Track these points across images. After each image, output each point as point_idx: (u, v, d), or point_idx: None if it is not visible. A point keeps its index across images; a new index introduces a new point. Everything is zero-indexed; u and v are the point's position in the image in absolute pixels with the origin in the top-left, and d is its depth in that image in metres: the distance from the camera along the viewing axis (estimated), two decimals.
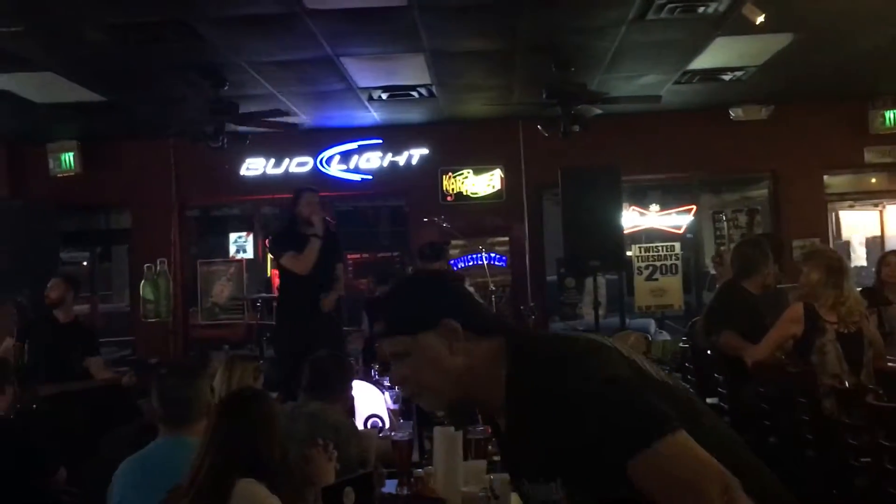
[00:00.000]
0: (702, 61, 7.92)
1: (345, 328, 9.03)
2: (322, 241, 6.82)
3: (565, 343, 1.85)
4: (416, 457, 4.40)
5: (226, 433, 2.85)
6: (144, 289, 10.35)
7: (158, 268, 10.38)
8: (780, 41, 7.36)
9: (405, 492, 3.88)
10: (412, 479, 3.85)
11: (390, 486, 3.99)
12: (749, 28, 6.24)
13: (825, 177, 10.44)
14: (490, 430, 4.76)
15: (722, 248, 10.59)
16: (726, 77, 8.57)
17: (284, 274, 7.07)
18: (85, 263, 12.68)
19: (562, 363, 1.72)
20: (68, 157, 10.19)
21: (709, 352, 5.96)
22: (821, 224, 10.21)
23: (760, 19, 5.95)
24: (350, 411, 5.20)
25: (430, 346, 1.82)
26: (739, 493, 1.60)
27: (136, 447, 3.74)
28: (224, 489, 2.74)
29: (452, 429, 4.10)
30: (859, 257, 11.56)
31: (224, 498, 2.73)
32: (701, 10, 6.37)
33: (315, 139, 10.28)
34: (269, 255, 9.08)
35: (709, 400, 6.07)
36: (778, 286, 6.34)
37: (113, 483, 3.46)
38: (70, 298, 7.25)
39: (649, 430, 1.60)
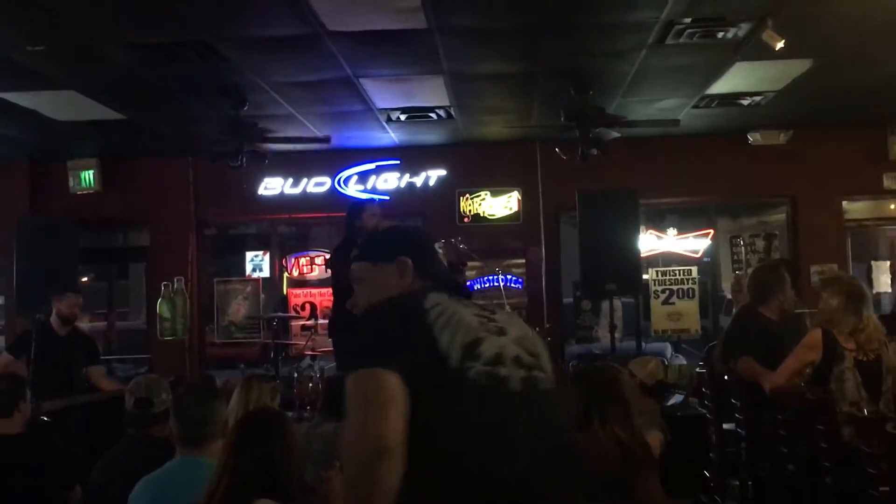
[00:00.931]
0: (721, 86, 7.92)
1: None
2: None
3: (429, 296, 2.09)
4: None
5: (243, 453, 2.85)
6: (161, 307, 10.37)
7: (175, 286, 10.41)
8: (799, 66, 7.35)
9: None
10: None
11: None
12: (769, 53, 6.24)
13: (844, 202, 10.39)
14: None
15: (739, 272, 10.55)
16: (745, 102, 8.57)
17: (344, 292, 6.68)
18: (85, 279, 12.72)
19: (398, 299, 2.13)
20: (88, 175, 10.26)
21: (726, 377, 5.92)
22: (839, 249, 10.15)
23: (780, 45, 5.95)
24: None
25: (383, 274, 2.25)
26: (388, 465, 1.76)
27: (130, 467, 3.77)
28: None
29: None
30: (883, 283, 11.43)
31: None
32: (720, 35, 6.38)
33: (333, 159, 10.32)
34: (328, 269, 8.78)
35: (726, 426, 6.04)
36: (796, 311, 6.30)
37: (131, 500, 3.47)
38: (78, 317, 7.33)
39: (363, 359, 1.91)
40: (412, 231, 2.50)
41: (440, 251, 2.42)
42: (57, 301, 7.29)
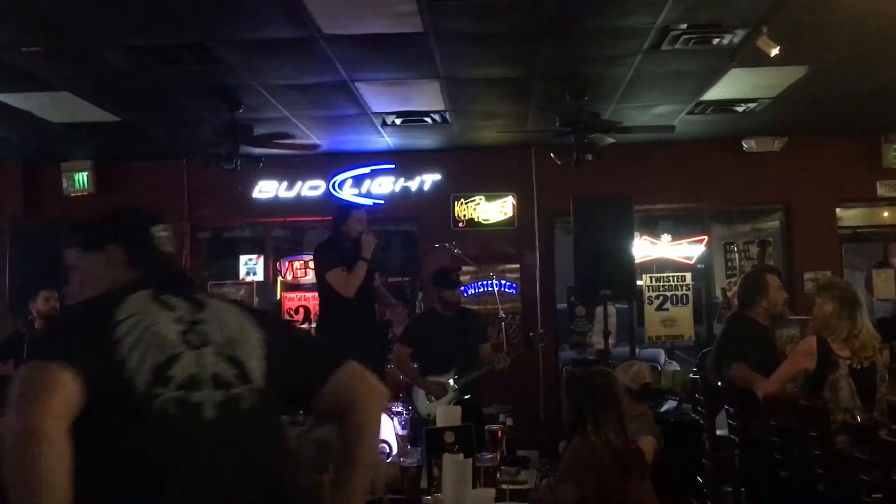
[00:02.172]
0: (716, 92, 7.94)
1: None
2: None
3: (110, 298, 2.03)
4: (424, 484, 4.39)
5: None
6: None
7: None
8: (794, 73, 7.37)
9: None
10: None
11: None
12: (764, 60, 6.27)
13: (838, 210, 10.41)
14: (499, 458, 4.75)
15: (730, 280, 10.56)
16: (740, 108, 8.59)
17: (327, 293, 6.75)
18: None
19: (87, 311, 2.08)
20: (82, 177, 10.24)
21: (719, 383, 5.92)
22: (833, 257, 10.17)
23: (775, 52, 5.97)
24: None
25: (94, 263, 2.21)
26: (45, 450, 1.66)
27: None
28: None
29: (461, 456, 4.09)
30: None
31: None
32: (716, 41, 6.39)
33: (328, 163, 10.31)
34: (312, 266, 8.69)
35: (719, 432, 6.05)
36: (789, 318, 6.32)
37: None
38: (57, 311, 7.34)
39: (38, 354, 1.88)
40: (125, 215, 2.35)
41: (164, 234, 2.32)
42: (32, 303, 7.31)
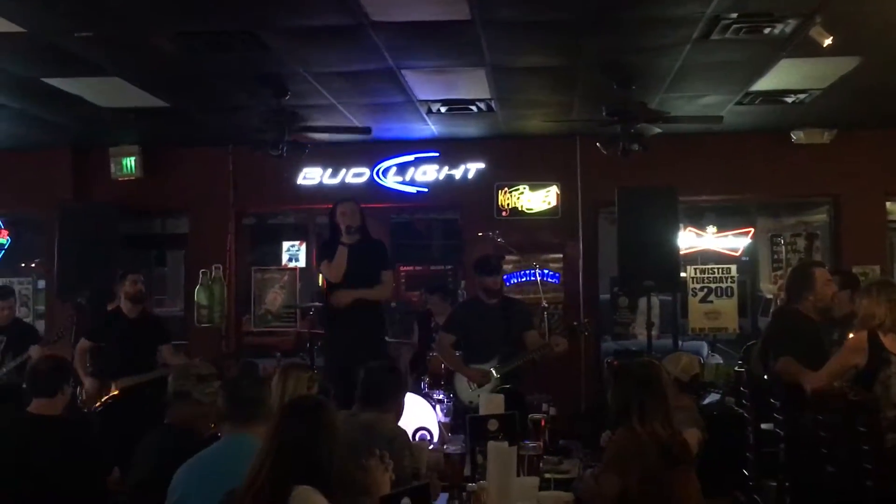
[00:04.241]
0: (765, 83, 7.83)
1: (395, 340, 9.08)
2: (355, 249, 6.90)
3: None
4: (467, 471, 4.41)
5: (287, 439, 2.87)
6: (199, 294, 10.45)
7: (213, 274, 10.49)
8: (846, 64, 7.25)
9: None
10: (464, 493, 3.85)
11: (441, 500, 4.00)
12: (815, 50, 6.16)
13: (888, 203, 10.25)
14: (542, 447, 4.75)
15: (776, 273, 10.48)
16: (789, 99, 8.46)
17: (327, 283, 7.22)
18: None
19: None
20: (130, 162, 10.35)
21: (765, 377, 5.87)
22: (882, 251, 10.01)
23: (828, 42, 5.87)
24: None
25: None
26: None
27: (162, 449, 3.86)
28: (281, 495, 2.76)
29: (506, 444, 4.10)
30: None
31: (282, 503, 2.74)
32: (767, 31, 6.29)
33: (372, 150, 10.33)
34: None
35: (764, 426, 6.00)
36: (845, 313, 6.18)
37: (176, 480, 3.53)
38: (144, 293, 7.52)
39: None
40: None
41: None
42: (120, 286, 7.47)
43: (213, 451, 3.64)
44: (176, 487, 3.52)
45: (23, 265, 11.31)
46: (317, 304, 9.25)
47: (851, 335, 5.34)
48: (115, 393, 7.05)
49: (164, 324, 8.03)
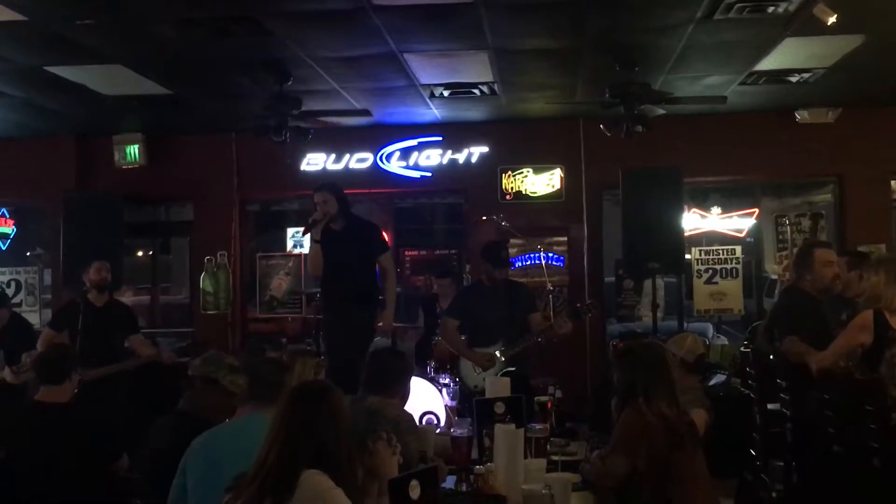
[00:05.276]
0: (769, 62, 7.80)
1: (400, 325, 9.07)
2: (339, 235, 6.82)
3: None
4: (474, 454, 4.41)
5: (296, 423, 2.88)
6: (204, 281, 10.47)
7: (218, 260, 10.50)
8: (850, 42, 7.21)
9: (464, 488, 3.89)
10: (471, 476, 3.86)
11: (449, 483, 4.01)
12: (819, 28, 6.12)
13: (893, 182, 10.22)
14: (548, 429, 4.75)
15: (781, 254, 10.46)
16: (793, 79, 8.42)
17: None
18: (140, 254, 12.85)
19: None
20: (133, 150, 10.35)
21: (771, 357, 5.87)
22: (887, 230, 9.98)
23: (832, 20, 5.83)
24: None
25: None
26: None
27: (176, 436, 3.88)
28: (290, 478, 2.76)
29: (513, 426, 4.10)
30: None
31: (290, 487, 2.75)
32: (771, 9, 6.26)
33: (375, 135, 10.31)
34: None
35: (770, 406, 6.00)
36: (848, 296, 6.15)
37: (191, 452, 3.59)
38: (109, 281, 7.45)
39: None
40: None
41: None
42: (85, 274, 7.44)
43: (232, 426, 3.73)
44: (191, 462, 3.58)
45: (28, 254, 11.32)
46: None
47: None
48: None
49: (132, 312, 7.96)
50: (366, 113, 8.81)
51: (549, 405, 5.22)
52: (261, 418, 3.46)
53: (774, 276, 11.22)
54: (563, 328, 6.78)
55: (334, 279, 6.88)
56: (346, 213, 6.92)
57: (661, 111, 8.19)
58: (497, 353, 6.75)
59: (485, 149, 10.32)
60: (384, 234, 11.24)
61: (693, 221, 10.38)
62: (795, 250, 8.11)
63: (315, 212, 6.83)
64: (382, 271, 7.04)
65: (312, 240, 6.85)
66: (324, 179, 8.45)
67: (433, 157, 10.38)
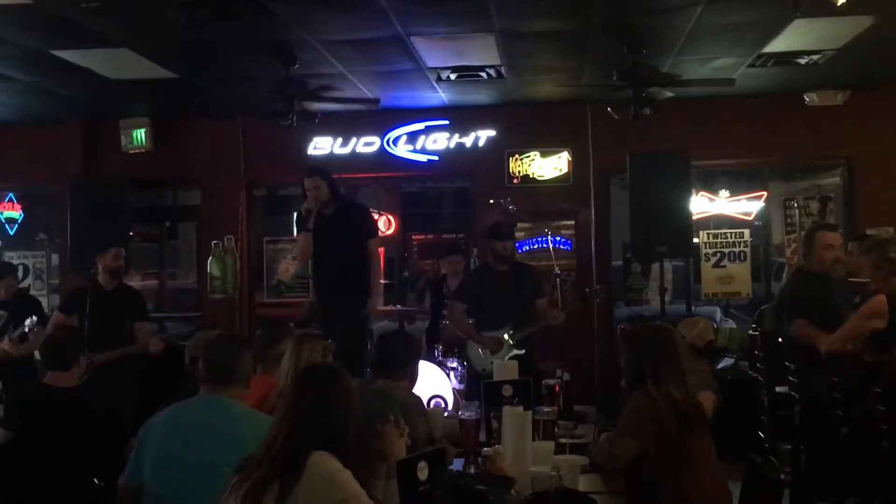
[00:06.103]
0: (778, 44, 7.75)
1: (407, 307, 9.06)
2: (330, 219, 6.87)
3: None
4: (482, 436, 4.42)
5: (305, 405, 2.88)
6: (211, 265, 10.49)
7: (225, 245, 10.51)
8: (860, 24, 7.16)
9: (472, 470, 3.89)
10: (479, 458, 3.86)
11: (456, 465, 4.01)
12: (829, 10, 6.07)
13: None
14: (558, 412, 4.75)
15: (789, 237, 10.42)
16: (802, 61, 8.37)
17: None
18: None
19: None
20: (140, 134, 10.35)
21: (779, 339, 5.85)
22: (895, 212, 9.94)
23: (842, 1, 5.79)
24: None
25: None
26: None
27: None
28: (299, 460, 2.76)
29: (521, 409, 4.10)
30: None
31: (299, 469, 2.75)
32: None
33: (382, 119, 10.29)
34: None
35: (778, 388, 6.00)
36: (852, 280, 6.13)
37: (150, 427, 3.72)
38: (123, 268, 7.54)
39: None
40: None
41: None
42: (101, 258, 7.44)
43: (188, 405, 3.80)
44: (149, 436, 3.70)
45: (36, 238, 11.35)
46: None
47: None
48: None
49: (141, 297, 7.87)
50: (374, 102, 8.77)
51: (557, 388, 5.22)
52: (213, 401, 3.56)
53: (782, 260, 11.19)
54: (556, 320, 6.80)
55: (326, 263, 6.91)
56: (337, 196, 6.97)
57: (668, 94, 8.15)
58: (505, 336, 6.75)
59: (492, 132, 10.29)
60: (391, 217, 11.24)
61: (701, 205, 10.35)
62: (804, 233, 8.06)
63: (306, 200, 6.86)
64: (368, 255, 7.04)
65: (305, 228, 6.85)
66: (311, 165, 8.40)
67: (440, 141, 10.35)
